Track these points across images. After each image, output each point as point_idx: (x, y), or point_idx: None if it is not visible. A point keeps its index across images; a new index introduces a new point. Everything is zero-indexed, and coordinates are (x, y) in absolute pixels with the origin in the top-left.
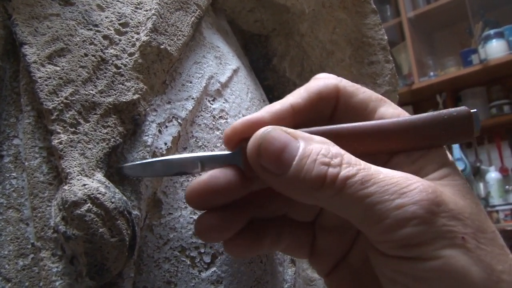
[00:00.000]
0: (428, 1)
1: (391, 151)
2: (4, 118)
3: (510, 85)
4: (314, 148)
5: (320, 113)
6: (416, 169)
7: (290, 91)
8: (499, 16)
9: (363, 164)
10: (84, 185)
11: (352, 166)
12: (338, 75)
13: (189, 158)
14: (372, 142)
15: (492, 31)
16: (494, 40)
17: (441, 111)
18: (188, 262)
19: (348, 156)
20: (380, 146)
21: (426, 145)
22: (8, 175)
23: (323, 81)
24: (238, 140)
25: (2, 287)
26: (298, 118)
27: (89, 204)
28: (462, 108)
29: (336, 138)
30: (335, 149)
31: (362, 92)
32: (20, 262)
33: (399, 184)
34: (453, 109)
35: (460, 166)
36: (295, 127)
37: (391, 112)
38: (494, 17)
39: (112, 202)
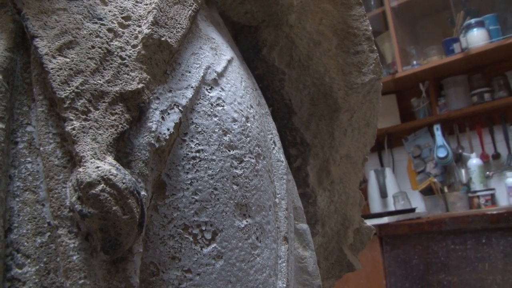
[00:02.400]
0: None
1: None
2: (17, 107)
3: (490, 74)
4: None
5: None
6: None
7: (279, 80)
8: (479, 5)
9: None
10: (98, 167)
11: None
12: (325, 65)
13: None
14: None
15: (473, 20)
16: (475, 29)
17: None
18: (191, 239)
19: None
20: None
21: None
22: (23, 160)
23: None
24: None
25: (22, 263)
26: None
27: (103, 185)
28: None
29: None
30: None
31: None
32: (38, 240)
33: None
34: None
35: (442, 153)
36: None
37: None
38: (474, 7)
39: (124, 183)
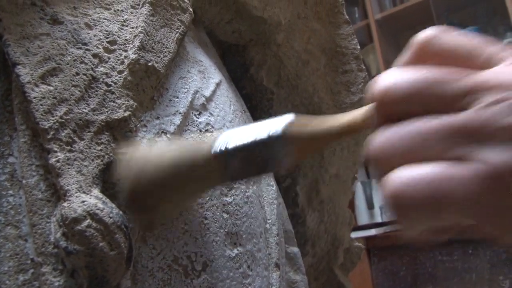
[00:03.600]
0: (394, 3)
1: None
2: None
3: None
4: None
5: None
6: None
7: (267, 99)
8: (462, 18)
9: None
10: (83, 201)
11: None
12: (314, 84)
13: None
14: None
15: None
16: None
17: None
18: (181, 271)
19: None
20: None
21: None
22: (5, 193)
23: None
24: None
25: None
26: None
27: (89, 220)
28: None
29: None
30: None
31: None
32: (20, 277)
33: None
34: None
35: None
36: None
37: None
38: (457, 19)
39: (110, 217)
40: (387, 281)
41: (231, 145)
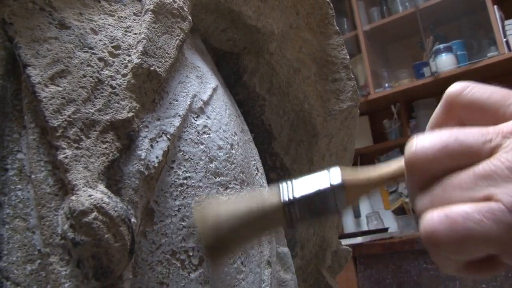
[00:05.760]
0: (382, 15)
1: None
2: (7, 134)
3: None
4: None
5: None
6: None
7: (259, 106)
8: (447, 31)
9: None
10: (90, 195)
11: None
12: (304, 91)
13: None
14: None
15: (441, 46)
16: (443, 54)
17: None
18: (179, 264)
19: None
20: None
21: None
22: (13, 187)
23: None
24: None
25: None
26: None
27: (95, 213)
28: None
29: None
30: None
31: None
32: (28, 267)
33: None
34: None
35: None
36: None
37: None
38: (443, 32)
39: (116, 211)
40: None
41: (297, 194)
